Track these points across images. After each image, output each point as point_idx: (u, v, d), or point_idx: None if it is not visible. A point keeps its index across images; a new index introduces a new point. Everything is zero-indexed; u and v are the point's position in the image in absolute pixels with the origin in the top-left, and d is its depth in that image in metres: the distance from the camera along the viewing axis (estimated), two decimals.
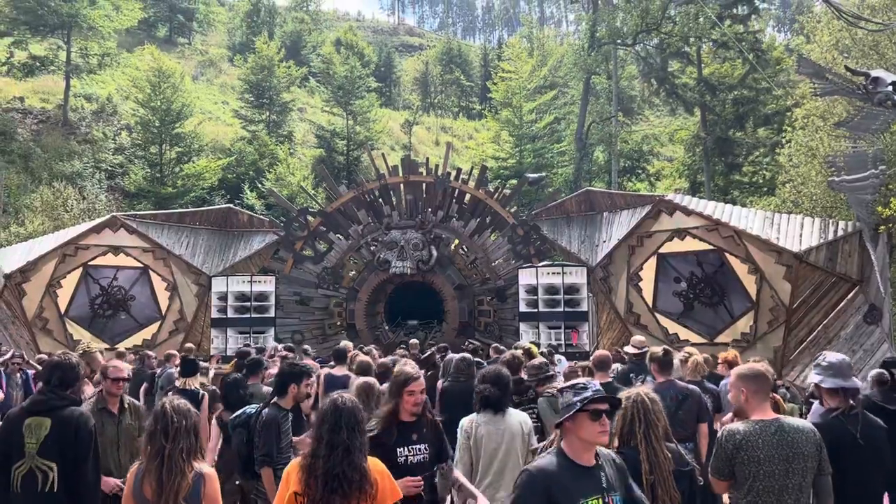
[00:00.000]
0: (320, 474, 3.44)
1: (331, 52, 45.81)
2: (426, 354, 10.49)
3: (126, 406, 5.66)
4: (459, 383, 7.61)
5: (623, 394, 4.04)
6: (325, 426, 3.55)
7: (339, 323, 18.47)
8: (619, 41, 35.42)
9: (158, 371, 9.94)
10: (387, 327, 18.20)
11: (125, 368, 5.87)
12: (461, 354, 8.40)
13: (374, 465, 3.63)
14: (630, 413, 3.90)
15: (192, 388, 7.72)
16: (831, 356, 4.73)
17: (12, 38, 37.79)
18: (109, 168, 34.55)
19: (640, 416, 3.87)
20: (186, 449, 3.73)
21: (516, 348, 9.42)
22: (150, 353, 12.77)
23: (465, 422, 5.22)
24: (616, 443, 3.93)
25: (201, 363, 9.97)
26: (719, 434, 4.01)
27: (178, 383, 7.93)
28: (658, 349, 6.94)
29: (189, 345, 14.30)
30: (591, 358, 7.96)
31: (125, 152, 36.17)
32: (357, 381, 6.13)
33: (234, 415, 6.54)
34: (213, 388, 8.70)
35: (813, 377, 4.71)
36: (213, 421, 7.51)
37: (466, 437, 5.12)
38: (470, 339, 15.62)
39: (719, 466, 3.93)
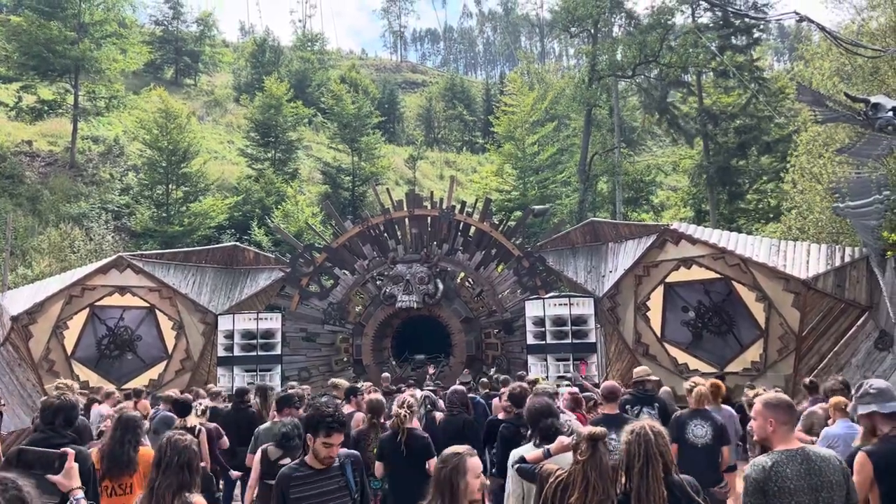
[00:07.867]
0: (105, 456, 5.10)
1: (340, 88, 46.23)
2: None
3: None
4: (454, 416, 7.85)
5: (627, 427, 3.89)
6: (118, 431, 5.19)
7: (345, 359, 18.38)
8: (619, 73, 35.69)
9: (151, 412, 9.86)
10: (394, 362, 18.09)
11: None
12: (454, 387, 8.49)
13: (145, 453, 5.20)
14: (633, 448, 3.72)
15: (191, 425, 8.00)
16: (876, 383, 4.53)
17: (21, 82, 38.42)
18: (116, 209, 34.77)
19: (640, 452, 3.68)
20: (177, 484, 3.81)
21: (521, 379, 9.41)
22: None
23: (515, 455, 5.13)
24: (623, 480, 3.76)
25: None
26: (747, 468, 3.86)
27: (178, 423, 8.10)
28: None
29: (202, 389, 13.99)
30: (601, 389, 7.88)
31: (131, 192, 36.46)
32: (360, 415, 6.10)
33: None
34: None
35: (864, 408, 4.51)
36: (257, 456, 7.18)
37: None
38: (484, 373, 15.52)
39: (751, 501, 3.77)
